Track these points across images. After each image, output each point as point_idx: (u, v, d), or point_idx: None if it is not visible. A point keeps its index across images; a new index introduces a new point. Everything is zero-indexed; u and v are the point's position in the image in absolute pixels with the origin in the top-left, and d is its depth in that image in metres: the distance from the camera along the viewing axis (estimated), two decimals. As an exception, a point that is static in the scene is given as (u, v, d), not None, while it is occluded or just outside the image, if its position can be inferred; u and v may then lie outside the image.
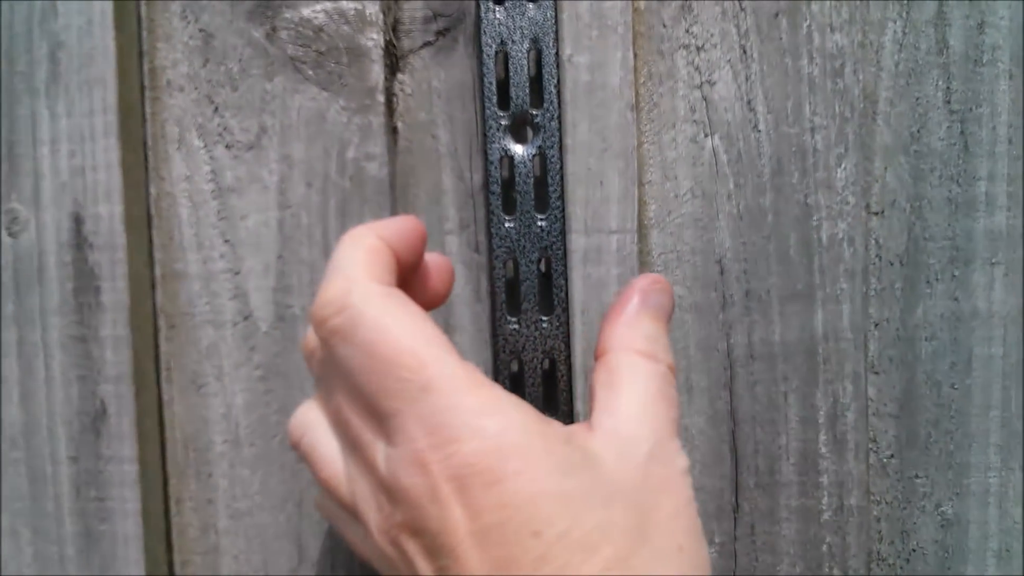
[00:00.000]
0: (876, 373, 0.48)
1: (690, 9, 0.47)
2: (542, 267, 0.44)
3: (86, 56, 0.47)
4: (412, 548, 0.33)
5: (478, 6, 0.44)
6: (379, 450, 0.34)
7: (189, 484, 0.48)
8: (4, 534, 0.49)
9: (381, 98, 0.47)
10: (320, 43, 0.47)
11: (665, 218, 0.47)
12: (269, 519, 0.48)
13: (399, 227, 0.37)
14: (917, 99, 0.47)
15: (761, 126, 0.47)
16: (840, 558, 0.48)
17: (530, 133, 0.44)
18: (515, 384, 0.44)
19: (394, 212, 0.47)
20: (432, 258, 0.41)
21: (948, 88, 0.47)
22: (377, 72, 0.47)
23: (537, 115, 0.44)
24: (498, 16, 0.44)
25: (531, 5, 0.44)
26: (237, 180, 0.47)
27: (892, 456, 0.48)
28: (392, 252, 0.36)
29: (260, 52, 0.47)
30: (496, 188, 0.44)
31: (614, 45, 0.47)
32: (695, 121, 0.47)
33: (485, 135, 0.44)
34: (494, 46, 0.44)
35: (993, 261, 0.48)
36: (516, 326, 0.44)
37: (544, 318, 0.44)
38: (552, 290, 0.44)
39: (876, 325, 0.48)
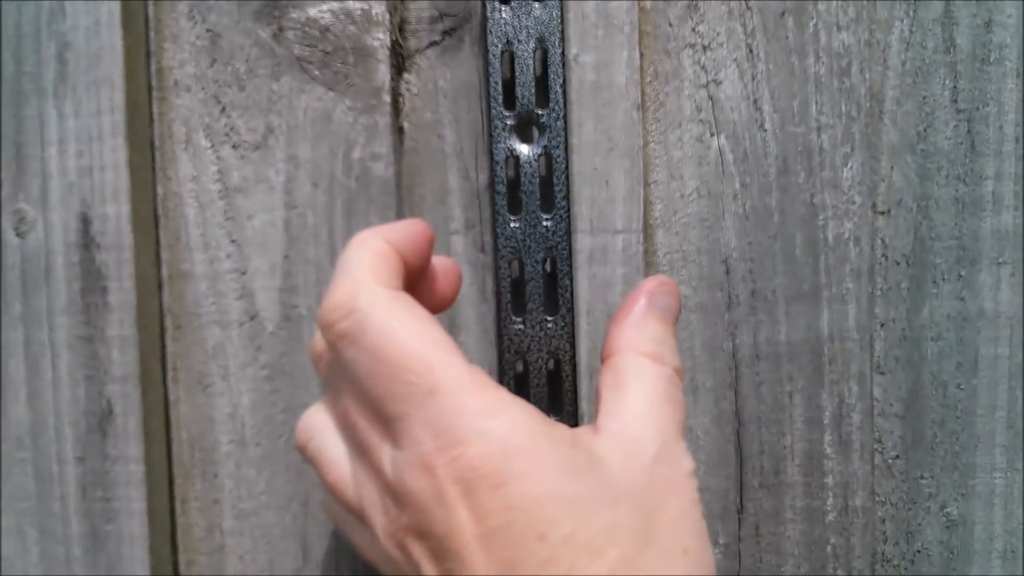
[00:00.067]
0: (882, 373, 0.48)
1: (696, 8, 0.47)
2: (547, 267, 0.44)
3: (94, 56, 0.47)
4: (418, 551, 0.33)
5: (484, 6, 0.44)
6: (385, 453, 0.34)
7: (195, 484, 0.48)
8: (10, 534, 0.49)
9: (387, 98, 0.47)
10: (326, 43, 0.47)
11: (671, 218, 0.47)
12: (275, 519, 0.48)
13: (406, 230, 0.37)
14: (924, 98, 0.47)
15: (767, 125, 0.47)
16: (845, 559, 0.48)
17: (536, 133, 0.44)
18: (520, 384, 0.44)
19: (400, 212, 0.47)
20: (439, 261, 0.41)
21: (955, 87, 0.47)
22: (383, 72, 0.47)
23: (543, 115, 0.44)
24: (504, 16, 0.44)
25: (537, 5, 0.44)
26: (244, 180, 0.47)
27: (897, 457, 0.48)
28: (399, 256, 0.36)
29: (267, 52, 0.47)
30: (502, 188, 0.44)
31: (620, 44, 0.47)
32: (701, 120, 0.47)
33: (491, 135, 0.44)
34: (500, 46, 0.44)
35: (1000, 261, 0.47)
36: (521, 326, 0.44)
37: (549, 318, 0.44)
38: (557, 290, 0.44)
39: (882, 325, 0.48)
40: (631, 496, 0.33)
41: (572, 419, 0.44)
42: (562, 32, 0.44)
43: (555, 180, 0.44)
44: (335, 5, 0.46)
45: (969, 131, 0.47)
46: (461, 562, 0.31)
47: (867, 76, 0.47)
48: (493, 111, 0.44)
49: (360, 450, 0.35)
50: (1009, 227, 0.47)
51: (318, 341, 0.39)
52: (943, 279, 0.48)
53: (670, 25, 0.47)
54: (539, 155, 0.44)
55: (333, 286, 0.35)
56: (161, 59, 0.47)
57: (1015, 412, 0.48)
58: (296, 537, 0.48)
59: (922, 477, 0.48)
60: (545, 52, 0.44)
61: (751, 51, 0.47)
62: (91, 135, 0.47)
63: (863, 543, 0.48)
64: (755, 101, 0.47)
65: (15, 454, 0.49)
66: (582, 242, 0.47)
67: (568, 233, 0.44)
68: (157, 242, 0.48)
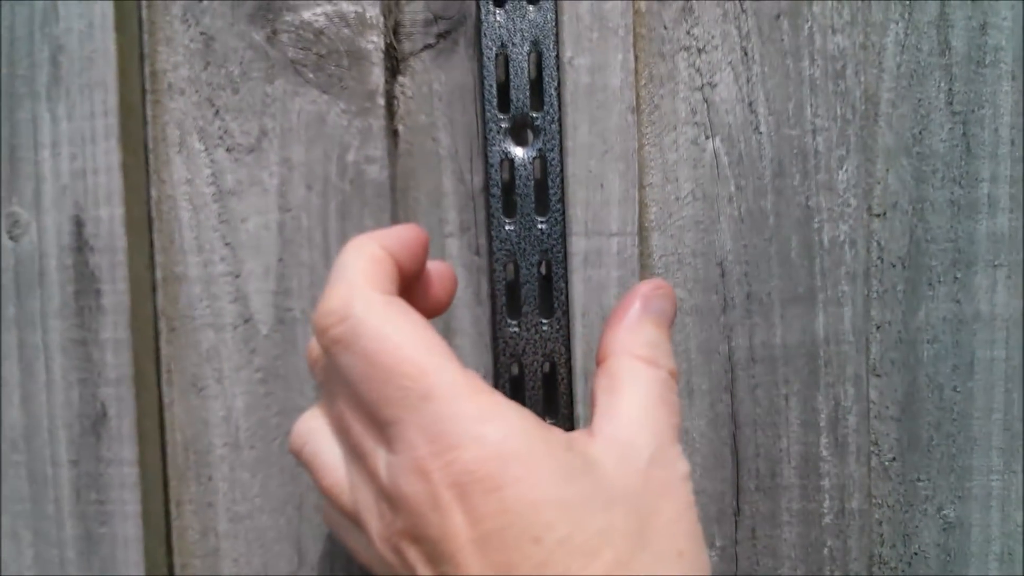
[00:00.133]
0: (878, 376, 0.48)
1: (691, 11, 0.47)
2: (542, 270, 0.44)
3: (87, 59, 0.47)
4: (413, 555, 0.33)
5: (478, 8, 0.44)
6: (380, 458, 0.34)
7: (189, 487, 0.48)
8: (5, 537, 0.49)
9: (381, 101, 0.47)
10: (320, 46, 0.46)
11: (666, 220, 0.47)
12: (269, 522, 0.48)
13: (401, 235, 0.38)
14: (919, 101, 0.47)
15: (762, 128, 0.47)
16: (841, 561, 0.48)
17: (530, 136, 0.44)
18: (515, 387, 0.44)
19: (394, 215, 0.47)
20: (434, 266, 0.41)
21: (950, 90, 0.47)
22: (377, 75, 0.47)
23: (537, 118, 0.44)
24: (498, 19, 0.44)
25: (531, 7, 0.44)
26: (238, 183, 0.47)
27: (894, 459, 0.48)
28: (394, 261, 0.36)
29: (261, 55, 0.47)
30: (496, 191, 0.44)
31: (615, 47, 0.47)
32: (696, 123, 0.47)
33: (485, 138, 0.44)
34: (494, 49, 0.44)
35: (995, 263, 0.47)
36: (516, 329, 0.44)
37: (544, 321, 0.44)
38: (552, 293, 0.44)
39: (878, 328, 0.48)
40: (626, 499, 0.33)
41: (567, 422, 0.44)
42: (556, 35, 0.44)
43: (550, 183, 0.44)
44: (329, 8, 0.46)
45: (964, 134, 0.47)
46: (456, 566, 0.31)
47: (862, 79, 0.47)
48: (488, 114, 0.44)
49: (355, 455, 0.35)
50: (1005, 229, 0.47)
51: (314, 346, 0.39)
52: (939, 282, 0.48)
53: (665, 28, 0.47)
54: (534, 158, 0.44)
55: (327, 292, 0.35)
56: (155, 62, 0.47)
57: (1011, 414, 0.48)
58: (290, 540, 0.48)
59: (919, 479, 0.48)
60: (539, 55, 0.44)
61: (746, 54, 0.47)
62: (84, 138, 0.47)
63: (860, 546, 0.48)
64: (750, 104, 0.47)
65: (9, 457, 0.49)
66: (577, 245, 0.47)
67: (563, 236, 0.44)
68: (151, 245, 0.47)
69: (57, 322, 0.48)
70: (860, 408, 0.48)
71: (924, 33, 0.47)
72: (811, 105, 0.47)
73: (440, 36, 0.47)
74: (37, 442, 0.49)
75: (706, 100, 0.47)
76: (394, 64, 0.47)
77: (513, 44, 0.44)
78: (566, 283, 0.44)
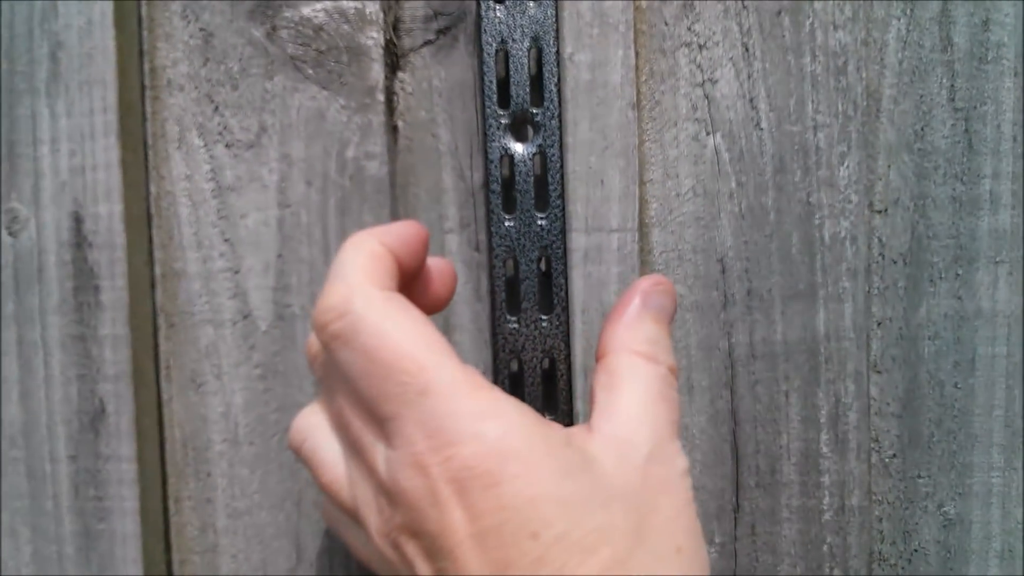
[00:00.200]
0: (878, 372, 0.48)
1: (692, 7, 0.47)
2: (542, 266, 0.44)
3: (86, 56, 0.47)
4: (412, 550, 0.33)
5: (479, 4, 0.44)
6: (379, 453, 0.34)
7: (188, 483, 0.48)
8: (3, 533, 0.49)
9: (381, 97, 0.47)
10: (320, 42, 0.46)
11: (666, 217, 0.47)
12: (268, 518, 0.48)
13: (401, 232, 0.38)
14: (921, 97, 0.47)
15: (763, 124, 0.47)
16: (841, 558, 0.48)
17: (530, 132, 0.44)
18: (515, 383, 0.44)
19: (394, 211, 0.47)
20: (434, 262, 0.41)
21: (952, 86, 0.47)
22: (377, 71, 0.46)
23: (537, 114, 0.44)
24: (499, 14, 0.44)
25: (532, 3, 0.44)
26: (237, 179, 0.47)
27: (894, 456, 0.48)
28: (394, 257, 0.37)
29: (260, 51, 0.47)
30: (496, 187, 0.44)
31: (615, 43, 0.46)
32: (697, 119, 0.47)
33: (485, 134, 0.44)
34: (494, 44, 0.44)
35: (997, 260, 0.47)
36: (516, 325, 0.44)
37: (544, 317, 0.44)
38: (552, 289, 0.44)
39: (879, 324, 0.47)
40: (624, 496, 0.33)
41: (567, 418, 0.44)
42: (557, 31, 0.44)
43: (550, 179, 0.44)
44: (329, 4, 0.46)
45: (966, 130, 0.47)
46: (454, 561, 0.31)
47: (864, 75, 0.47)
48: (488, 110, 0.44)
49: (354, 450, 0.35)
50: (1007, 226, 0.47)
51: (313, 342, 0.39)
52: (940, 278, 0.47)
53: (666, 24, 0.47)
54: (534, 154, 0.44)
55: (327, 288, 0.35)
56: (154, 58, 0.47)
57: (1012, 411, 0.48)
58: (289, 536, 0.48)
59: (919, 476, 0.48)
60: (540, 51, 0.44)
61: (747, 50, 0.47)
62: (84, 134, 0.47)
63: (860, 542, 0.48)
64: (751, 100, 0.47)
65: (7, 453, 0.49)
66: (577, 241, 0.47)
67: (563, 232, 0.44)
68: (150, 241, 0.47)
69: (56, 318, 0.48)
70: (860, 405, 0.47)
71: (926, 29, 0.47)
72: (812, 101, 0.47)
73: (440, 32, 0.47)
74: (36, 438, 0.48)
75: (707, 96, 0.47)
76: (394, 60, 0.47)
77: (513, 40, 0.44)
78: (566, 279, 0.44)
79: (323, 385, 0.38)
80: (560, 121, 0.44)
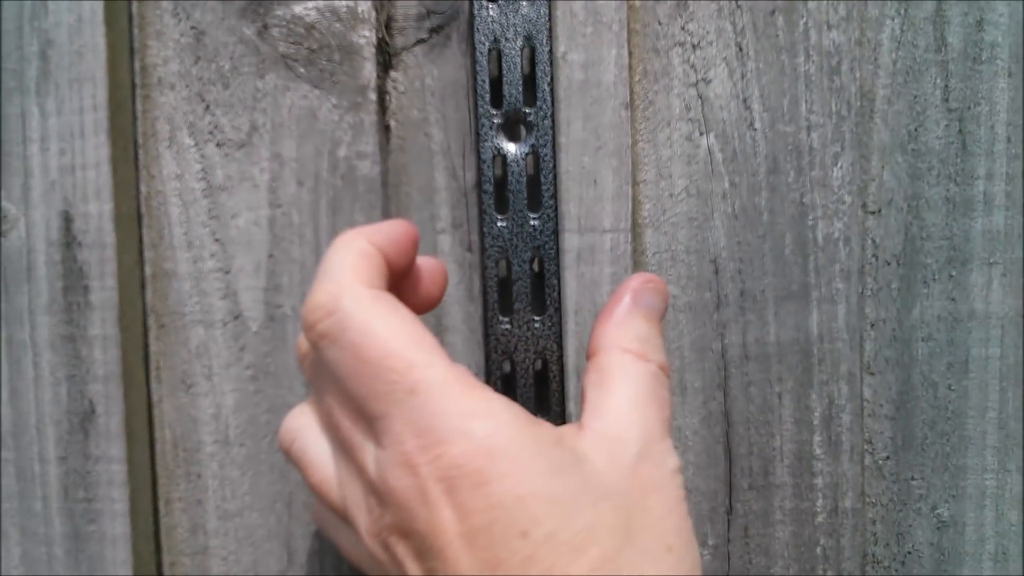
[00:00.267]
0: (872, 374, 0.47)
1: (686, 7, 0.47)
2: (535, 266, 0.44)
3: (76, 54, 0.47)
4: (402, 550, 0.33)
5: (471, 3, 0.44)
6: (369, 453, 0.34)
7: (178, 484, 0.48)
8: (-8, 534, 0.49)
9: (373, 96, 0.46)
10: (312, 41, 0.46)
11: (660, 217, 0.47)
12: (259, 520, 0.47)
13: (390, 231, 0.37)
14: (915, 97, 0.47)
15: (757, 124, 0.47)
16: (834, 560, 0.47)
17: (523, 131, 0.44)
18: (507, 384, 0.44)
19: (386, 211, 0.47)
20: (425, 261, 0.41)
21: (946, 86, 0.47)
22: (369, 70, 0.46)
23: (530, 113, 0.44)
24: (491, 13, 0.43)
25: (525, 2, 0.43)
26: (228, 178, 0.47)
27: (888, 458, 0.48)
28: (383, 256, 0.36)
29: (251, 50, 0.46)
30: (489, 187, 0.43)
31: (609, 43, 0.46)
32: (690, 119, 0.47)
33: (478, 133, 0.44)
34: (487, 44, 0.44)
35: (991, 261, 0.47)
36: (508, 326, 0.44)
37: (536, 318, 0.44)
38: (545, 290, 0.44)
39: (872, 325, 0.47)
40: (614, 494, 0.33)
41: (559, 419, 0.44)
42: (550, 30, 0.44)
43: (542, 179, 0.44)
44: (320, 3, 0.46)
45: (960, 130, 0.47)
46: (444, 561, 0.31)
47: (858, 75, 0.47)
48: (480, 109, 0.44)
49: (344, 450, 0.35)
50: (1000, 227, 0.47)
51: (303, 341, 0.39)
52: (934, 279, 0.47)
53: (659, 23, 0.47)
54: (526, 154, 0.44)
55: (315, 286, 0.35)
56: (145, 56, 0.47)
57: (1006, 413, 0.48)
58: (280, 538, 0.47)
59: (912, 478, 0.48)
60: (533, 50, 0.44)
61: (741, 49, 0.47)
62: (73, 133, 0.47)
63: (853, 544, 0.47)
64: (745, 100, 0.47)
65: (-4, 454, 0.49)
66: (570, 241, 0.46)
67: (556, 232, 0.44)
68: (140, 241, 0.47)
69: (45, 318, 0.48)
70: (854, 406, 0.47)
71: (920, 29, 0.47)
72: (806, 101, 0.47)
73: (433, 31, 0.46)
74: (25, 439, 0.48)
75: (700, 96, 0.47)
76: (386, 59, 0.47)
77: (506, 39, 0.44)
78: (558, 280, 0.44)
79: (312, 385, 0.38)
80: (553, 121, 0.44)
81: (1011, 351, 0.47)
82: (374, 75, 0.46)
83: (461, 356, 0.47)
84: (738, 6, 0.46)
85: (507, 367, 0.44)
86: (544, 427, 0.34)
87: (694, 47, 0.47)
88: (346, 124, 0.47)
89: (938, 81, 0.47)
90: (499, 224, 0.43)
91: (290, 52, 0.46)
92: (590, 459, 0.33)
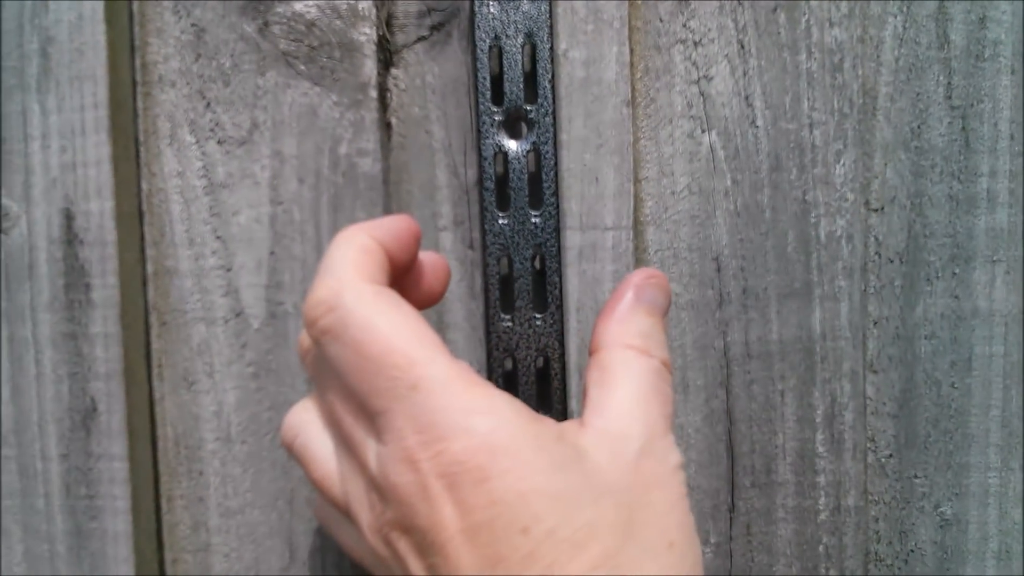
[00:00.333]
0: (875, 372, 0.47)
1: (687, 4, 0.46)
2: (536, 264, 0.44)
3: (77, 51, 0.47)
4: (403, 546, 0.33)
5: (472, 0, 0.43)
6: (370, 448, 0.34)
7: (180, 482, 0.48)
8: (-6, 532, 0.49)
9: (374, 93, 0.46)
10: (312, 38, 0.46)
11: (662, 215, 0.47)
12: (261, 517, 0.47)
13: (392, 226, 0.37)
14: (918, 95, 0.47)
15: (759, 122, 0.47)
16: (837, 559, 0.47)
17: (524, 129, 0.44)
18: (509, 382, 0.43)
19: (387, 208, 0.47)
20: (427, 257, 0.41)
21: (949, 84, 0.47)
22: (370, 67, 0.46)
23: (531, 111, 0.44)
24: (492, 10, 0.43)
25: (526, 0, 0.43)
26: (229, 176, 0.47)
27: (891, 456, 0.48)
28: (384, 252, 0.36)
29: (252, 47, 0.46)
30: (490, 184, 0.43)
31: (610, 40, 0.46)
32: (692, 117, 0.47)
33: (479, 131, 0.43)
34: (488, 41, 0.43)
35: (994, 259, 0.47)
36: (510, 323, 0.43)
37: (538, 315, 0.43)
38: (546, 287, 0.44)
39: (875, 323, 0.47)
40: (616, 491, 0.33)
41: (561, 417, 0.44)
42: (551, 27, 0.44)
43: (544, 176, 0.44)
44: (321, 0, 0.46)
45: (963, 128, 0.47)
46: (445, 557, 0.31)
47: (860, 72, 0.47)
48: (481, 107, 0.44)
49: (346, 446, 0.35)
50: (1004, 225, 0.47)
51: (304, 337, 0.39)
52: (937, 277, 0.47)
53: (661, 20, 0.47)
54: (528, 151, 0.44)
55: (317, 282, 0.35)
56: (146, 54, 0.47)
57: (1009, 411, 0.47)
58: (282, 535, 0.47)
59: (915, 476, 0.48)
60: (534, 47, 0.44)
61: (743, 47, 0.47)
62: (74, 130, 0.47)
63: (856, 543, 0.47)
64: (747, 97, 0.47)
65: (-2, 452, 0.49)
66: (571, 239, 0.46)
67: (557, 230, 0.43)
68: (141, 238, 0.47)
69: (47, 316, 0.48)
70: (857, 404, 0.47)
71: (923, 27, 0.47)
72: (808, 99, 0.47)
73: (433, 28, 0.46)
74: (27, 436, 0.48)
75: (702, 93, 0.47)
76: (387, 56, 0.46)
77: (507, 36, 0.43)
78: (560, 277, 0.43)
79: (315, 381, 0.38)
80: (554, 118, 0.44)
81: (1014, 349, 0.47)
82: (375, 72, 0.46)
83: (463, 353, 0.47)
84: (740, 3, 0.46)
85: (508, 365, 0.44)
86: (546, 423, 0.34)
87: (696, 44, 0.47)
88: (347, 121, 0.46)
89: (941, 78, 0.47)
90: (500, 221, 0.43)
91: (291, 49, 0.46)
92: (592, 455, 0.33)
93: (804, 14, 0.46)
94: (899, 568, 0.48)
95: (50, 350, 0.48)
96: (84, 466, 0.48)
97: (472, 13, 0.44)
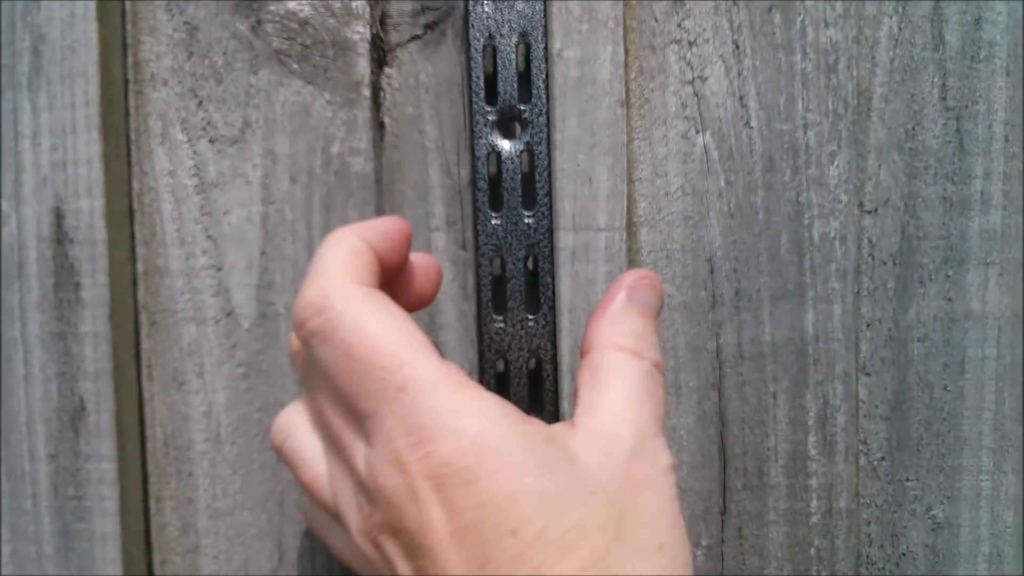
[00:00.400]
0: (867, 374, 0.47)
1: (682, 4, 0.46)
2: (529, 265, 0.43)
3: (68, 49, 0.47)
4: (392, 548, 0.33)
5: (467, 0, 0.43)
6: (359, 451, 0.34)
7: (169, 483, 0.47)
8: (-18, 532, 0.49)
9: (367, 92, 0.46)
10: (305, 36, 0.46)
11: (655, 215, 0.47)
12: (250, 519, 0.47)
13: (382, 228, 0.37)
14: (912, 96, 0.47)
15: (753, 122, 0.46)
16: (829, 561, 0.47)
17: (518, 128, 0.44)
18: (501, 383, 0.43)
19: (379, 208, 0.46)
20: (418, 258, 0.40)
21: (944, 85, 0.47)
22: (363, 66, 0.46)
23: (525, 110, 0.43)
24: (486, 9, 0.43)
25: (519, -1, 0.43)
26: (220, 175, 0.46)
27: (883, 458, 0.47)
28: (374, 254, 0.36)
29: (245, 45, 0.46)
30: (483, 184, 0.43)
31: (604, 40, 0.46)
32: (686, 117, 0.47)
33: (472, 130, 0.43)
34: (482, 40, 0.43)
35: (988, 261, 0.47)
36: (502, 324, 0.43)
37: (531, 316, 0.43)
38: (539, 288, 0.43)
39: (868, 325, 0.47)
40: (605, 492, 0.32)
41: (553, 418, 0.44)
42: (545, 26, 0.43)
43: (537, 177, 0.43)
44: (314, -3, 0.46)
45: (958, 129, 0.47)
46: (433, 559, 0.31)
47: (855, 73, 0.47)
48: (475, 106, 0.43)
49: (335, 448, 0.35)
50: (997, 227, 0.47)
51: (296, 339, 0.39)
52: (930, 279, 0.47)
53: (655, 20, 0.46)
54: (521, 151, 0.43)
55: (306, 284, 0.35)
56: (138, 52, 0.47)
57: (1002, 414, 0.47)
58: (272, 537, 0.47)
59: (908, 479, 0.47)
60: (528, 47, 0.43)
61: (737, 47, 0.46)
62: (65, 128, 0.47)
63: (847, 545, 0.47)
64: (741, 98, 0.46)
65: (-14, 452, 0.48)
66: (564, 240, 0.46)
67: (550, 230, 0.43)
68: (132, 237, 0.47)
69: (36, 315, 0.47)
70: (849, 406, 0.47)
71: (918, 27, 0.47)
72: (803, 99, 0.47)
73: (427, 27, 0.46)
74: (15, 436, 0.48)
75: (696, 94, 0.47)
76: (380, 55, 0.46)
77: (501, 35, 0.43)
78: (553, 278, 0.43)
79: (305, 383, 0.38)
80: (548, 118, 0.44)
81: (1008, 351, 0.47)
82: (368, 71, 0.46)
83: (455, 354, 0.46)
84: (735, 3, 0.46)
85: (501, 366, 0.43)
86: (535, 425, 0.34)
87: (690, 44, 0.46)
88: (339, 120, 0.46)
89: (936, 80, 0.47)
90: (493, 222, 0.43)
91: (283, 48, 0.46)
92: (581, 457, 0.33)
93: (799, 14, 0.46)
94: (891, 571, 0.48)
95: (39, 349, 0.48)
96: (72, 467, 0.48)
97: (466, 12, 0.44)
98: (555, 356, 0.44)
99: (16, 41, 0.47)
